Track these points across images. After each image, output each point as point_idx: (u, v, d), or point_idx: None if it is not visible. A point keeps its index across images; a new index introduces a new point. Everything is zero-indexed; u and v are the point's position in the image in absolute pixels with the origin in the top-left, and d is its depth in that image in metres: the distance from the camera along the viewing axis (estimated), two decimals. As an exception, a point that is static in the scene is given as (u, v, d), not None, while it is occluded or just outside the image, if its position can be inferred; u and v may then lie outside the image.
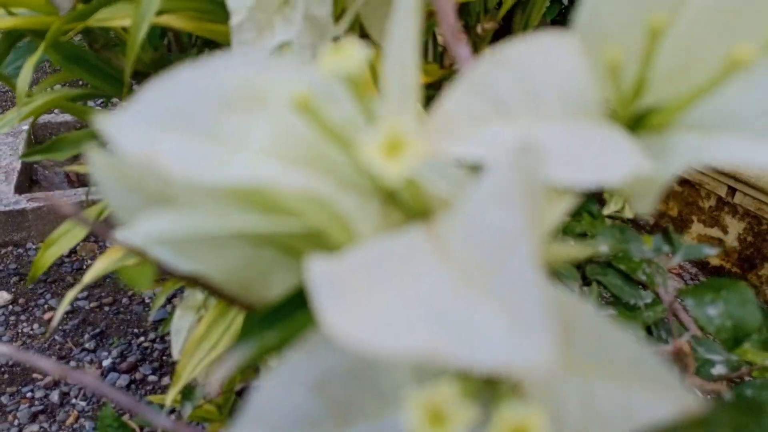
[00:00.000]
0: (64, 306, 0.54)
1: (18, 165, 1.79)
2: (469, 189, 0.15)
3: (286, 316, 0.18)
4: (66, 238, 0.80)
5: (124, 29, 0.76)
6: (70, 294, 0.55)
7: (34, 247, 1.62)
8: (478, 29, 0.88)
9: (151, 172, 0.16)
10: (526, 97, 0.17)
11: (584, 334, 0.14)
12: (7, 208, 1.58)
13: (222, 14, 0.67)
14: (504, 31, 0.96)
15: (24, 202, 1.59)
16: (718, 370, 0.70)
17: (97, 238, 1.61)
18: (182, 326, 0.77)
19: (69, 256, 1.58)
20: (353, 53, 0.16)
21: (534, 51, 0.18)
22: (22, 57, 0.97)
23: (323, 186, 0.16)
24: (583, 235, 0.75)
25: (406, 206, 0.18)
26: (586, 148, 0.17)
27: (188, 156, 0.16)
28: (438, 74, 0.82)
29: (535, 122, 0.17)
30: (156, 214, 0.15)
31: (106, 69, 0.85)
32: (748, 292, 0.61)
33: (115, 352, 1.30)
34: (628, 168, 0.17)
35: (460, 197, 0.16)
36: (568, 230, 0.74)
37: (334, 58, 0.16)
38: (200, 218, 0.16)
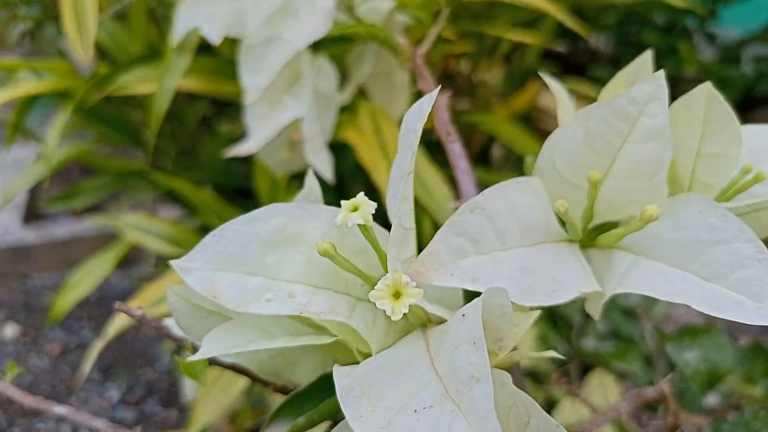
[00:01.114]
0: (92, 358, 0.58)
1: (24, 197, 1.82)
2: (455, 316, 0.20)
3: (313, 402, 0.23)
4: (84, 282, 0.85)
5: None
6: (97, 346, 0.59)
7: (40, 278, 1.66)
8: (473, 79, 0.94)
9: (211, 298, 0.21)
10: (495, 233, 0.22)
11: (535, 425, 0.19)
12: (15, 241, 1.62)
13: (231, 71, 0.73)
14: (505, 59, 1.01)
15: (32, 235, 1.63)
16: (711, 400, 0.75)
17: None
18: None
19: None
20: (362, 208, 0.21)
21: (502, 196, 0.23)
22: (40, 110, 1.03)
23: (342, 312, 0.21)
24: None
25: (410, 319, 0.23)
26: (543, 274, 0.22)
27: (238, 290, 0.21)
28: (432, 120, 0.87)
29: (503, 253, 0.22)
30: (217, 335, 0.21)
31: (121, 122, 0.91)
32: (722, 337, 0.66)
33: (122, 385, 1.33)
34: (578, 291, 0.22)
35: (449, 320, 0.21)
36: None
37: (351, 212, 0.21)
38: (251, 339, 0.21)
